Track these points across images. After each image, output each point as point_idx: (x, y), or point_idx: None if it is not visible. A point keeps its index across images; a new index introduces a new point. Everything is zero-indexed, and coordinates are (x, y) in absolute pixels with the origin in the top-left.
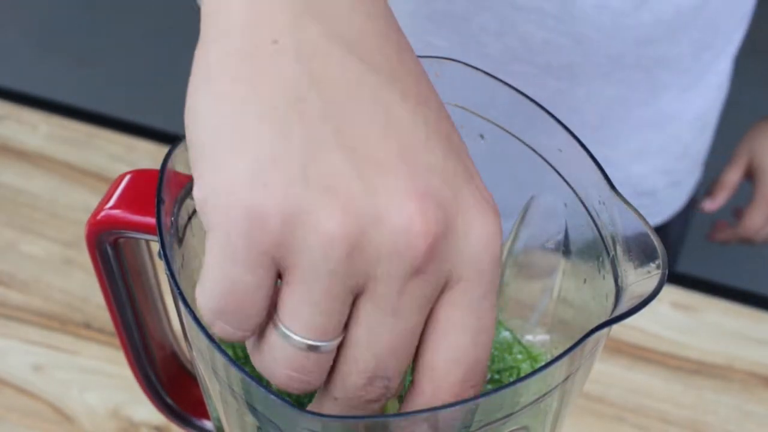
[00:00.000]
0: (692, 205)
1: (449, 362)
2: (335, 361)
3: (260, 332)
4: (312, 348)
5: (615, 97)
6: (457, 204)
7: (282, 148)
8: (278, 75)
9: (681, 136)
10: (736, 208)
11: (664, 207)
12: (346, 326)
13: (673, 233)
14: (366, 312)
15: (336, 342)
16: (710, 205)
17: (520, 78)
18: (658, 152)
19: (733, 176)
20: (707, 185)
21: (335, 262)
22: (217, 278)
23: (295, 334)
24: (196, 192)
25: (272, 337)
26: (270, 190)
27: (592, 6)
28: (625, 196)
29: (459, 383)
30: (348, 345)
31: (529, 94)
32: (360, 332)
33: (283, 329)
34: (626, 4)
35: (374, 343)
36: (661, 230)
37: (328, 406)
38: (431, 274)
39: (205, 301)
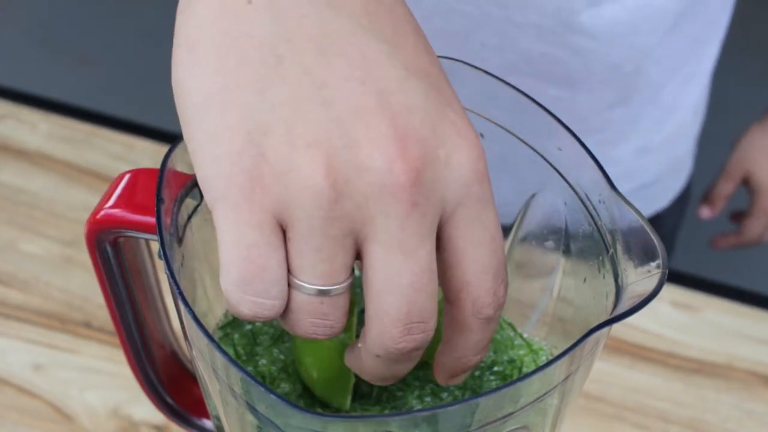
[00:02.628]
0: (689, 189)
1: (479, 274)
2: (367, 322)
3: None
4: (323, 293)
5: (616, 100)
6: (436, 138)
7: (268, 112)
8: (256, 36)
9: (681, 124)
10: (733, 213)
11: (665, 193)
12: (366, 283)
13: (671, 219)
14: (376, 256)
15: (345, 285)
16: (708, 213)
17: (521, 88)
18: (661, 144)
19: (727, 187)
20: (702, 167)
21: (326, 210)
22: (232, 249)
23: (306, 282)
24: (197, 168)
25: (291, 295)
26: (265, 153)
27: (587, 18)
28: (629, 190)
29: (493, 286)
30: (373, 299)
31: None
32: (379, 279)
33: (296, 281)
34: (621, 14)
35: (396, 286)
36: (660, 217)
37: (371, 365)
38: (424, 205)
39: (229, 278)
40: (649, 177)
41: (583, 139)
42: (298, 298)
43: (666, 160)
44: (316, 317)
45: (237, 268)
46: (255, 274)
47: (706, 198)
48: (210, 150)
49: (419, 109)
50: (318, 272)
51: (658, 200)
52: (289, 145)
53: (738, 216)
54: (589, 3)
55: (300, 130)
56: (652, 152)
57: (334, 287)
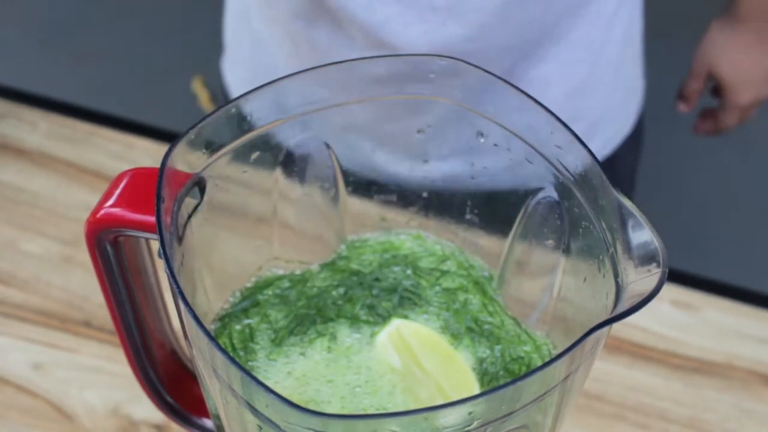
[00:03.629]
0: (641, 125)
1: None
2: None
3: None
4: None
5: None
6: None
7: None
8: None
9: (613, 58)
10: (704, 109)
11: (615, 132)
12: None
13: (627, 158)
14: None
15: None
16: (684, 108)
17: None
18: (595, 84)
19: (695, 85)
20: (653, 99)
21: None
22: None
23: None
24: None
25: None
26: None
27: None
28: (578, 131)
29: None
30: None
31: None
32: None
33: None
34: None
35: None
36: (615, 157)
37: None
38: None
39: None
40: (597, 115)
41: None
42: None
43: (605, 98)
44: None
45: None
46: None
47: (680, 95)
48: None
49: None
50: None
51: (610, 141)
52: None
53: (708, 113)
54: None
55: None
56: (586, 92)
57: None
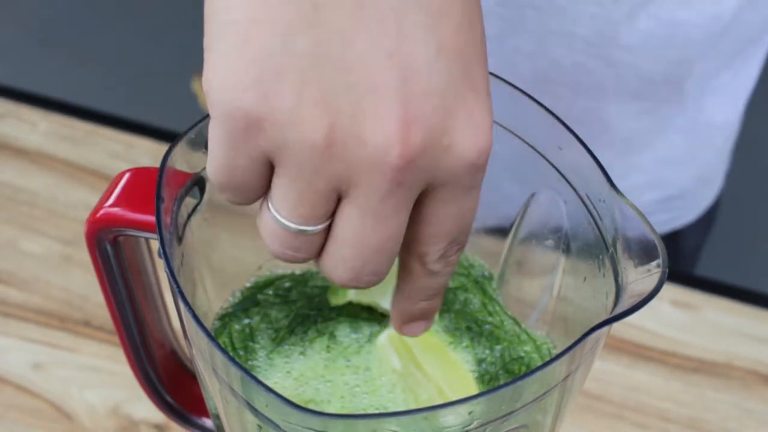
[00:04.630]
0: (717, 205)
1: (435, 235)
2: (324, 252)
3: (261, 206)
4: (299, 231)
5: (645, 110)
6: (444, 125)
7: (286, 58)
8: None
9: (713, 138)
10: None
11: (691, 207)
12: (334, 227)
13: (696, 234)
14: (350, 214)
15: (321, 227)
16: None
17: (550, 97)
18: (687, 156)
19: None
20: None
21: (317, 164)
22: (219, 159)
23: (283, 217)
24: (204, 78)
25: (266, 214)
26: (270, 101)
27: (623, 30)
28: (653, 200)
29: (444, 248)
30: (336, 242)
31: (559, 113)
32: (347, 231)
33: (273, 211)
34: (656, 28)
35: (360, 244)
36: (685, 231)
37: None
38: (409, 184)
39: (211, 175)
40: (675, 189)
41: (607, 147)
42: (272, 224)
43: (692, 173)
44: (286, 248)
45: (219, 175)
46: (235, 185)
47: None
48: (220, 71)
49: (436, 94)
50: (296, 212)
51: (684, 214)
52: (298, 97)
53: None
54: (626, 15)
55: (312, 87)
56: (677, 163)
57: (310, 228)
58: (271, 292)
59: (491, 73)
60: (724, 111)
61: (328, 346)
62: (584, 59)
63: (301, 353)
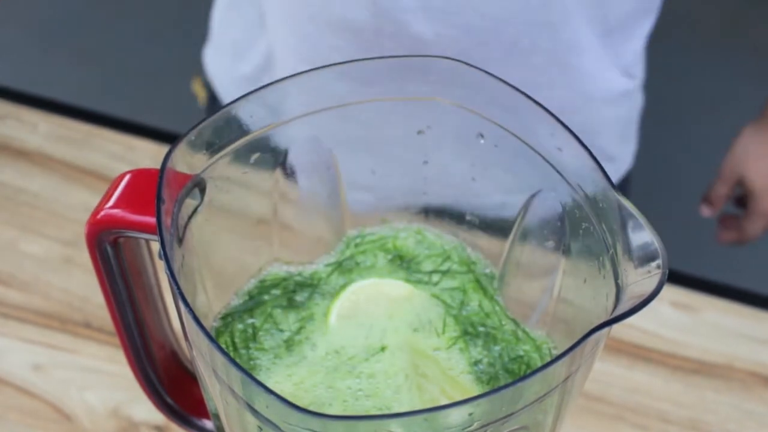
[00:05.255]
0: (626, 183)
1: None
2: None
3: None
4: None
5: (520, 83)
6: None
7: None
8: None
9: (601, 115)
10: (723, 217)
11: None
12: None
13: None
14: None
15: None
16: (708, 212)
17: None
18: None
19: (723, 190)
20: (641, 159)
21: None
22: None
23: None
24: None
25: None
26: None
27: None
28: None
29: None
30: None
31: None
32: None
33: None
34: None
35: None
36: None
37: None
38: None
39: None
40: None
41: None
42: None
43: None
44: None
45: None
46: None
47: (706, 199)
48: None
49: None
50: None
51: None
52: None
53: (730, 222)
54: None
55: None
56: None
57: None
58: (277, 292)
59: (492, 75)
60: (613, 88)
61: (333, 351)
62: (442, 29)
63: (304, 357)
